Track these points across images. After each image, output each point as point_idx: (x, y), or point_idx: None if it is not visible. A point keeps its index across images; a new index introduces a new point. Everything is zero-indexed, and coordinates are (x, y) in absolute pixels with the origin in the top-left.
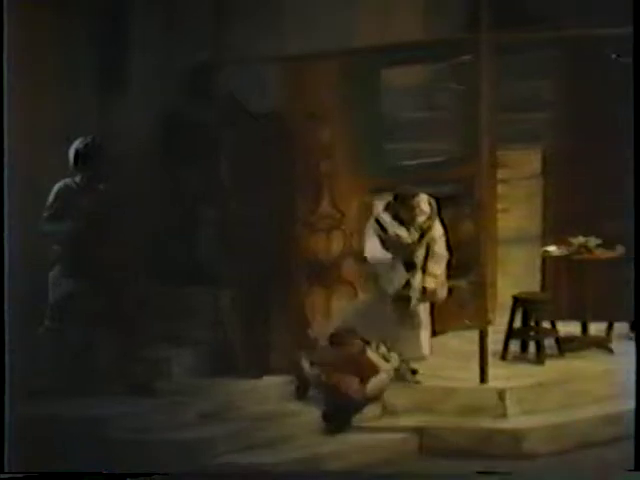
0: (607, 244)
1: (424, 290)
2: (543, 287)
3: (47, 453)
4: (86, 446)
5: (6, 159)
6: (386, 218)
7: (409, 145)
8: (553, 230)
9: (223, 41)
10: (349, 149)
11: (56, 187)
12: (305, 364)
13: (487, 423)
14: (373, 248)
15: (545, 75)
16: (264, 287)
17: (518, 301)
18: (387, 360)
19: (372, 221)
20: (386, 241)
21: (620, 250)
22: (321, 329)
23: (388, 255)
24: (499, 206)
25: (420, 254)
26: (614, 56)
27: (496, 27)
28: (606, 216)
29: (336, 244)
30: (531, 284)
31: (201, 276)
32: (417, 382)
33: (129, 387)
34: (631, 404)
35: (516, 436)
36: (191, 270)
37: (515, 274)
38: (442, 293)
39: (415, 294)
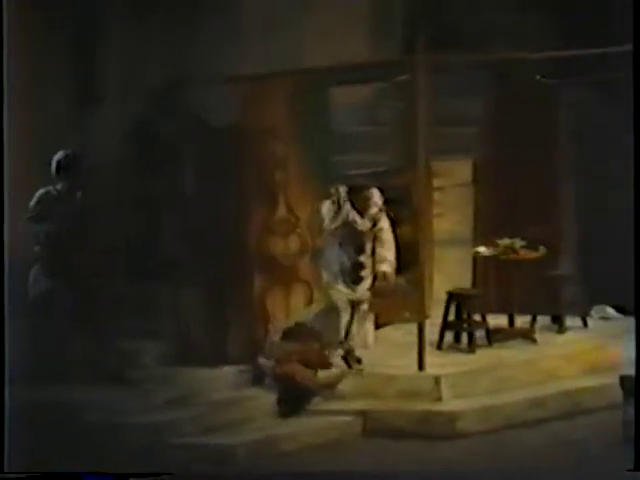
0: (531, 245)
1: (383, 274)
2: (474, 284)
3: (29, 435)
4: (63, 429)
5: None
6: (342, 203)
7: (354, 156)
8: (483, 233)
9: (186, 61)
10: (301, 160)
11: (38, 193)
12: (261, 356)
13: (424, 406)
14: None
15: (475, 93)
16: (225, 285)
17: (452, 296)
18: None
19: (328, 202)
20: (338, 219)
21: (542, 251)
22: (279, 324)
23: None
24: (434, 211)
25: (369, 242)
26: (538, 77)
27: (432, 49)
28: (530, 220)
29: (293, 246)
30: (463, 281)
31: (167, 275)
32: (361, 369)
33: (103, 376)
34: (553, 388)
35: (450, 417)
36: (158, 270)
37: (449, 272)
38: (393, 276)
39: (368, 276)
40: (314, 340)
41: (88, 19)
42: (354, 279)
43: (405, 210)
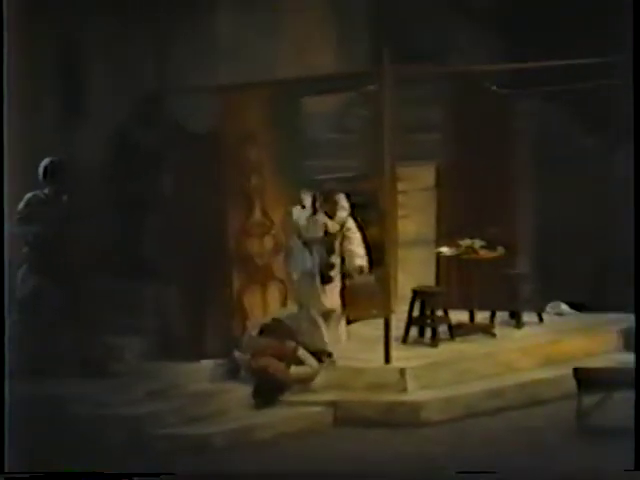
0: (490, 246)
1: (360, 268)
2: (437, 282)
3: (19, 427)
4: (50, 421)
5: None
6: (313, 207)
7: (325, 162)
8: (445, 234)
9: (167, 72)
10: (275, 165)
11: (27, 196)
12: (236, 350)
13: (391, 397)
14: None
15: (438, 102)
16: (204, 284)
17: (417, 294)
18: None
19: (299, 206)
20: (310, 222)
21: (500, 250)
22: (256, 320)
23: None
24: (400, 214)
25: (338, 243)
26: (493, 87)
27: (397, 62)
28: (489, 222)
29: (268, 247)
30: (427, 279)
31: (149, 274)
32: (333, 361)
33: (88, 370)
34: (511, 380)
35: (415, 407)
36: (140, 269)
37: (414, 271)
38: (367, 269)
39: (337, 275)
40: (289, 337)
41: (74, 34)
42: (325, 279)
43: (372, 213)
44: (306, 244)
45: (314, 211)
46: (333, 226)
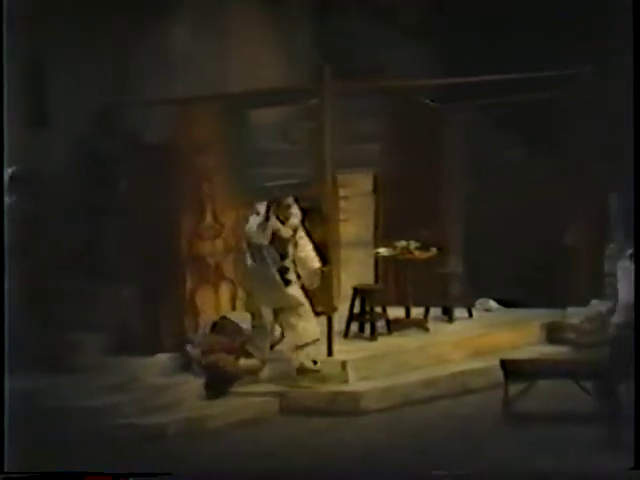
0: (424, 247)
1: (320, 269)
2: (376, 280)
3: None
4: (16, 414)
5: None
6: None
7: (272, 170)
8: (382, 236)
9: (125, 86)
10: (225, 173)
11: None
12: (189, 345)
13: (333, 387)
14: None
15: (375, 115)
16: (159, 283)
17: (357, 292)
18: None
19: (254, 215)
20: (266, 229)
21: (434, 251)
22: (207, 318)
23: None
24: (341, 217)
25: (291, 248)
26: (427, 101)
27: (337, 77)
28: (423, 225)
29: (219, 249)
30: (367, 278)
31: (110, 274)
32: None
33: (51, 365)
34: (443, 371)
35: (355, 397)
36: (101, 269)
37: (354, 271)
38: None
39: (293, 277)
40: (237, 332)
41: (38, 48)
42: (284, 282)
43: (316, 217)
44: (258, 249)
45: (266, 218)
46: (286, 231)
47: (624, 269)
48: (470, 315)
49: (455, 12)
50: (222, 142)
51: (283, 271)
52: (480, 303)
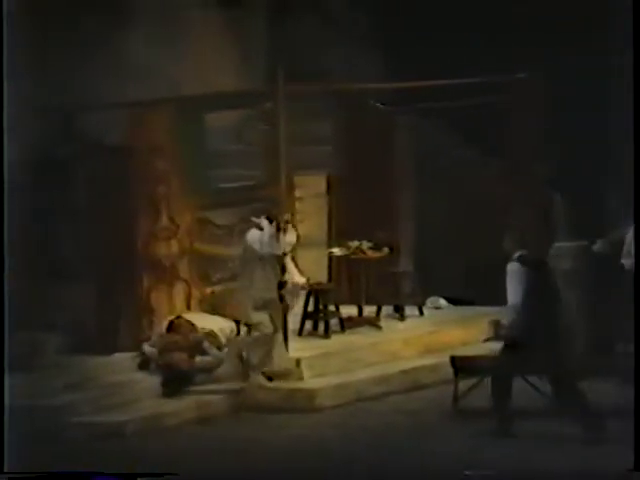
0: (376, 247)
1: (303, 286)
2: (330, 279)
3: None
4: None
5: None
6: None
7: (227, 172)
8: (336, 236)
9: (81, 89)
10: (181, 175)
11: None
12: (146, 344)
13: (288, 384)
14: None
15: (328, 117)
16: (116, 284)
17: (311, 290)
18: (220, 349)
19: (253, 229)
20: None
21: (385, 251)
22: (162, 317)
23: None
24: (296, 218)
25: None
26: (378, 104)
27: (290, 80)
28: (375, 225)
29: (174, 250)
30: (321, 277)
31: (68, 275)
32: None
33: (8, 364)
34: (395, 367)
35: (310, 394)
36: (58, 269)
37: (309, 270)
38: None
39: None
40: (193, 331)
41: None
42: (280, 297)
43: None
44: (268, 261)
45: (278, 229)
46: (285, 246)
47: (512, 272)
48: (421, 313)
49: (406, 16)
50: (177, 144)
51: (281, 286)
52: (430, 301)
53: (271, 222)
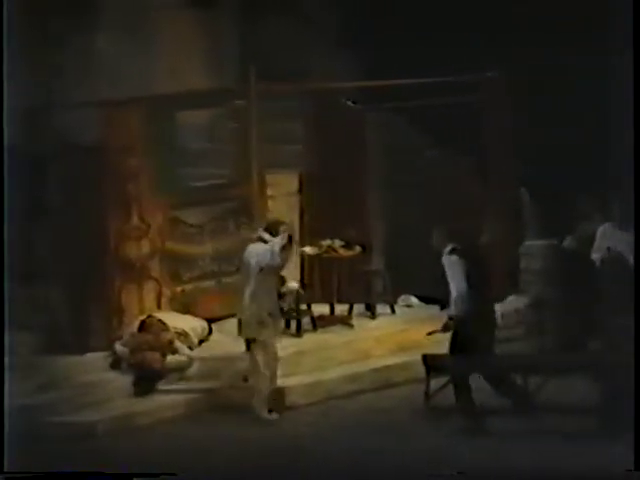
0: (348, 245)
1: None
2: (302, 278)
3: None
4: None
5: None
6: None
7: (199, 170)
8: (308, 235)
9: (54, 88)
10: (152, 174)
11: None
12: (117, 344)
13: None
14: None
15: (300, 116)
16: (87, 284)
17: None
18: (191, 349)
19: (256, 243)
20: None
21: (357, 249)
22: (134, 317)
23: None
24: (268, 216)
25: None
26: (349, 103)
27: (262, 78)
28: (347, 224)
29: (144, 249)
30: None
31: (39, 274)
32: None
33: None
34: (367, 366)
35: (282, 392)
36: (31, 269)
37: None
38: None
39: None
40: (164, 330)
41: None
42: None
43: (244, 217)
44: (270, 278)
45: (290, 240)
46: (283, 257)
47: (450, 264)
48: (392, 311)
49: (378, 15)
50: (148, 143)
51: (280, 297)
52: (402, 299)
53: (272, 234)
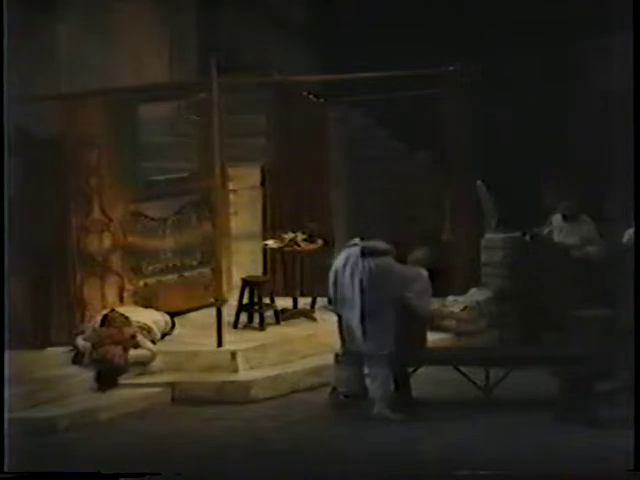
0: (310, 239)
1: None
2: (265, 272)
3: None
4: None
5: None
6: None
7: (160, 164)
8: (270, 228)
9: (12, 80)
10: (113, 168)
11: None
12: (79, 338)
13: (223, 377)
14: None
15: (262, 109)
16: (48, 277)
17: (246, 283)
18: (154, 343)
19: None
20: None
21: (320, 243)
22: (96, 312)
23: None
24: (230, 210)
25: None
26: (311, 96)
27: (224, 71)
28: (309, 217)
29: (106, 243)
30: (255, 270)
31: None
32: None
33: None
34: (329, 359)
35: (245, 386)
36: None
37: (244, 262)
38: None
39: None
40: (127, 325)
41: None
42: None
43: (205, 210)
44: None
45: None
46: None
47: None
48: None
49: (341, 8)
50: (110, 136)
51: None
52: None
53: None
